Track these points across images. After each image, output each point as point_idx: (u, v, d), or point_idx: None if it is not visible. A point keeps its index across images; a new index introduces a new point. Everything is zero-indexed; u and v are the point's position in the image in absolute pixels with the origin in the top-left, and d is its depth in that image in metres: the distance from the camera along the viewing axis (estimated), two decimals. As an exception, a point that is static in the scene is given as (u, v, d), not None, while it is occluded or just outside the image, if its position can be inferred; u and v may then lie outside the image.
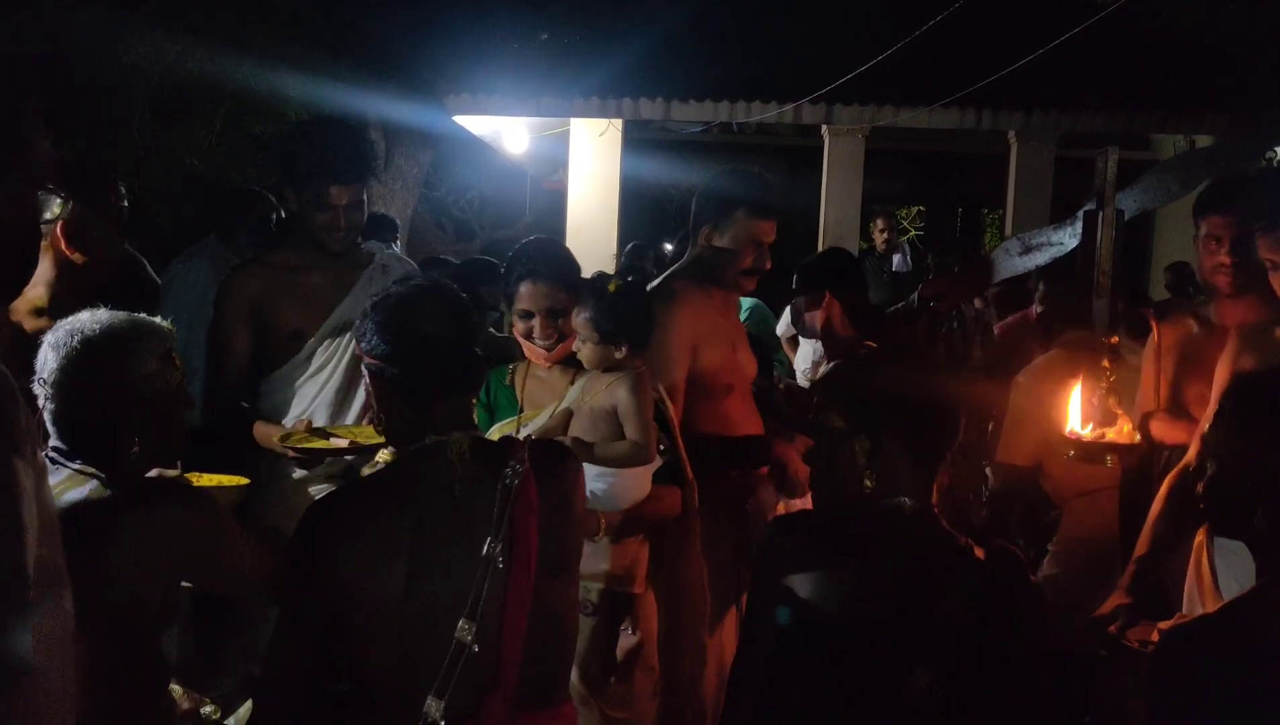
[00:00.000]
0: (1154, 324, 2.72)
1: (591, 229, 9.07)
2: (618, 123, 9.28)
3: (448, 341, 1.62)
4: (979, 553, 1.53)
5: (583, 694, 2.38)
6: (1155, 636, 2.23)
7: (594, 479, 2.21)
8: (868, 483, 1.54)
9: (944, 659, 1.48)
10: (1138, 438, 2.61)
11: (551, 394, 2.43)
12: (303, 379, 2.59)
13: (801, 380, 5.00)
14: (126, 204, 2.34)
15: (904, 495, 1.56)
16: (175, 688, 1.91)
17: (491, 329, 4.13)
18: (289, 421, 2.54)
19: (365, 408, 2.52)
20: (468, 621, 1.54)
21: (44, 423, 1.69)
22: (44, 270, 1.98)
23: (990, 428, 3.63)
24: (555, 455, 1.71)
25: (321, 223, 2.52)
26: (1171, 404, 2.63)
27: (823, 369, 3.94)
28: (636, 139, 10.00)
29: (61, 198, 1.98)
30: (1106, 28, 6.41)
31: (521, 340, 2.44)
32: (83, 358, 1.67)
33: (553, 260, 2.44)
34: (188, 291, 3.80)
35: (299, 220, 2.59)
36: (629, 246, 7.32)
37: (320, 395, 2.60)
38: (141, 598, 1.66)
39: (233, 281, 2.65)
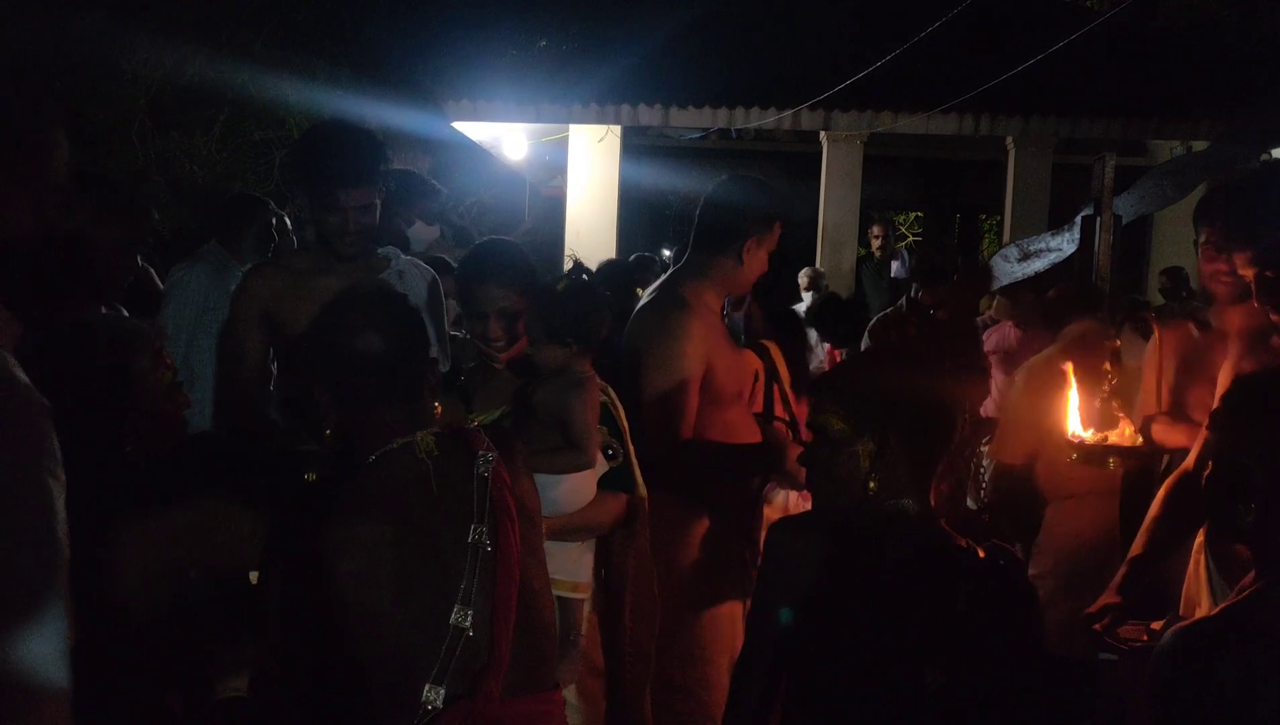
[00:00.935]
0: (1155, 328, 2.73)
1: (590, 235, 9.08)
2: (616, 129, 9.30)
3: (379, 356, 1.64)
4: (980, 553, 1.54)
5: None
6: (1145, 637, 2.24)
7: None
8: (872, 485, 1.55)
9: (948, 660, 1.49)
10: (1140, 441, 2.62)
11: (503, 396, 2.42)
12: None
13: None
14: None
15: (905, 496, 1.57)
16: None
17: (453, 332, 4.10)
18: None
19: None
20: (463, 608, 1.57)
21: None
22: None
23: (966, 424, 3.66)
24: (507, 438, 1.79)
25: (331, 226, 2.52)
26: (1173, 407, 2.65)
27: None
28: (635, 145, 10.02)
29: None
30: (1103, 34, 6.44)
31: (475, 342, 2.43)
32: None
33: (505, 262, 2.42)
34: (189, 297, 3.80)
35: (313, 225, 2.60)
36: (634, 257, 7.32)
37: None
38: (137, 597, 1.66)
39: (247, 283, 2.65)
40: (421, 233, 4.04)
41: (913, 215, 15.03)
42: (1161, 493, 2.46)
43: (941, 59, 7.62)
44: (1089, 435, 2.67)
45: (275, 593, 1.92)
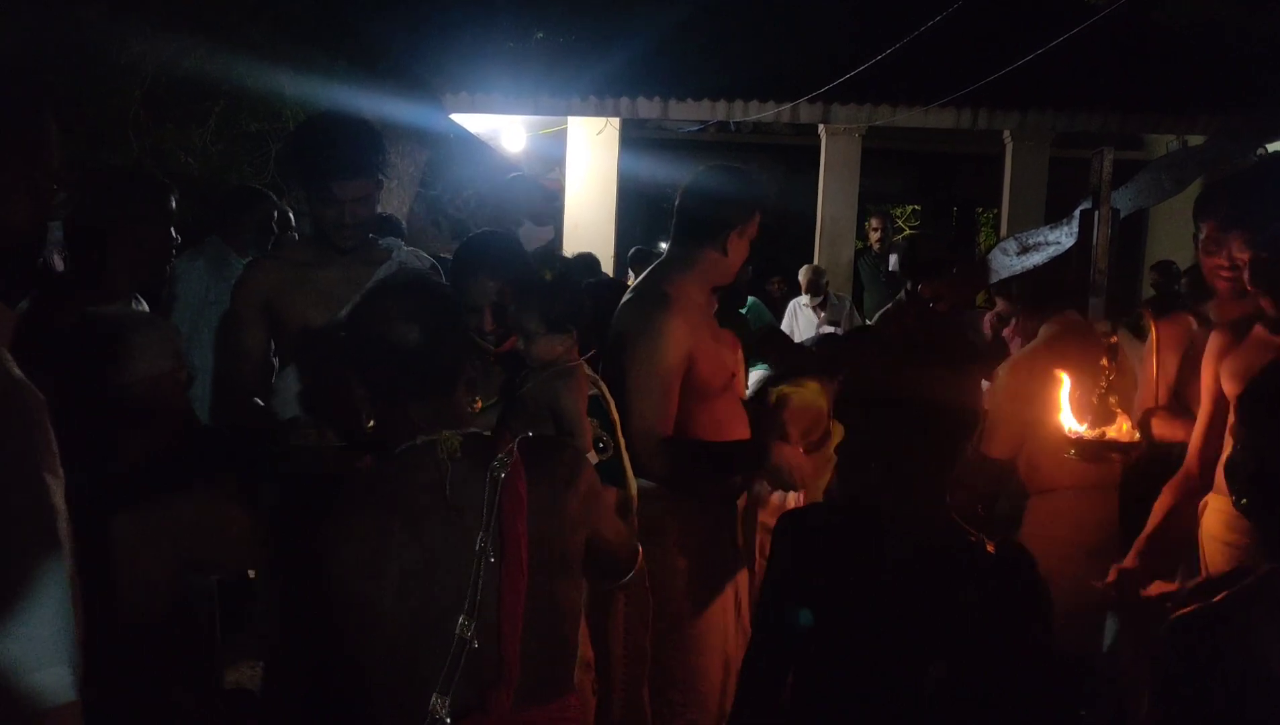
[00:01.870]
0: (1152, 323, 2.73)
1: (589, 228, 9.07)
2: (615, 122, 9.28)
3: (410, 344, 1.59)
4: (989, 548, 1.54)
5: None
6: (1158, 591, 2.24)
7: None
8: (884, 479, 1.55)
9: (957, 653, 1.50)
10: (1138, 436, 2.63)
11: (490, 389, 2.40)
12: None
13: None
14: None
15: (916, 490, 1.57)
16: None
17: None
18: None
19: None
20: (466, 618, 1.53)
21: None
22: None
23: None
24: (549, 450, 1.70)
25: (328, 219, 2.51)
26: (1172, 402, 2.65)
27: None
28: (634, 138, 10.00)
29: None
30: (1101, 29, 6.44)
31: (470, 335, 2.42)
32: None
33: (498, 254, 2.42)
34: (190, 291, 3.80)
35: (310, 217, 2.59)
36: (632, 250, 7.30)
37: None
38: (141, 594, 1.66)
39: (247, 276, 2.64)
40: (532, 233, 4.09)
41: (910, 208, 15.03)
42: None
43: (940, 53, 7.61)
44: (1085, 430, 2.67)
45: (277, 588, 1.93)
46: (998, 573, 1.53)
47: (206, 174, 7.13)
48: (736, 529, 2.77)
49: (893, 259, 8.15)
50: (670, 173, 10.51)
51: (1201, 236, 2.51)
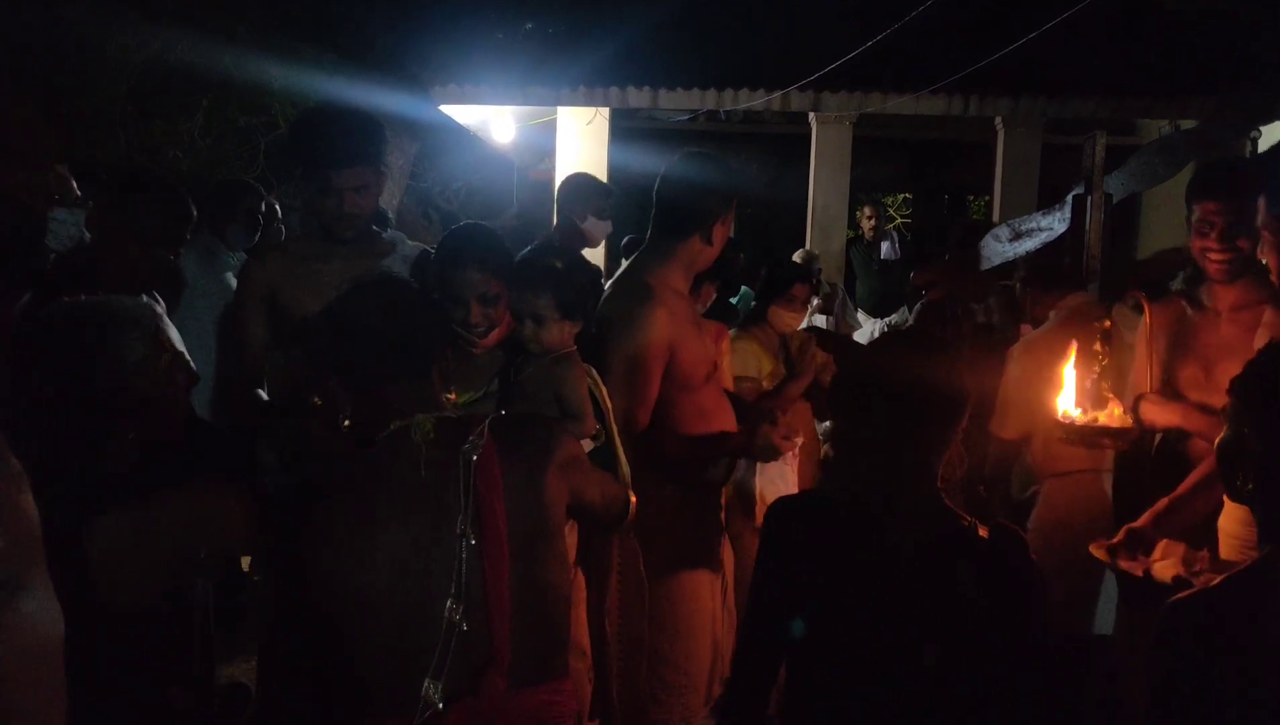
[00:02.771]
0: (1146, 306, 2.73)
1: (580, 219, 9.04)
2: (605, 112, 9.25)
3: (379, 324, 1.65)
4: (983, 532, 1.54)
5: None
6: (1140, 573, 2.24)
7: None
8: (876, 464, 1.55)
9: (951, 637, 1.50)
10: (1130, 421, 2.63)
11: (479, 378, 2.41)
12: None
13: None
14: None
15: (910, 475, 1.57)
16: None
17: None
18: None
19: None
20: (454, 601, 1.55)
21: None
22: None
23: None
24: (521, 427, 1.72)
25: (326, 209, 2.50)
26: (1164, 387, 2.65)
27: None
28: (624, 128, 9.97)
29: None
30: (1092, 13, 6.43)
31: (455, 327, 2.41)
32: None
33: (483, 246, 2.42)
34: (178, 284, 3.77)
35: (312, 208, 2.59)
36: (625, 239, 7.30)
37: None
38: (131, 589, 1.65)
39: (250, 268, 2.64)
40: (594, 229, 4.16)
41: (900, 196, 15.02)
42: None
43: (930, 39, 7.60)
44: (1079, 415, 2.67)
45: (268, 578, 1.92)
46: (991, 556, 1.53)
47: (195, 168, 7.09)
48: (720, 514, 2.79)
49: (884, 247, 8.16)
50: (660, 162, 10.49)
51: (1194, 219, 2.51)
